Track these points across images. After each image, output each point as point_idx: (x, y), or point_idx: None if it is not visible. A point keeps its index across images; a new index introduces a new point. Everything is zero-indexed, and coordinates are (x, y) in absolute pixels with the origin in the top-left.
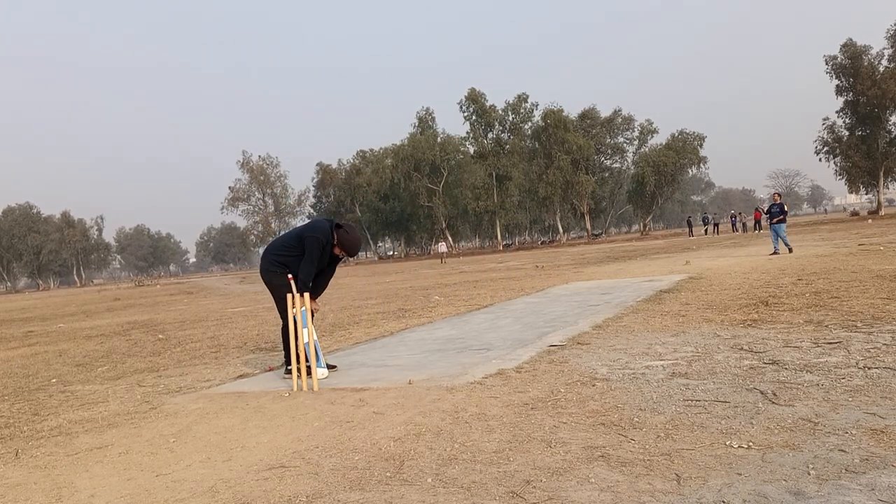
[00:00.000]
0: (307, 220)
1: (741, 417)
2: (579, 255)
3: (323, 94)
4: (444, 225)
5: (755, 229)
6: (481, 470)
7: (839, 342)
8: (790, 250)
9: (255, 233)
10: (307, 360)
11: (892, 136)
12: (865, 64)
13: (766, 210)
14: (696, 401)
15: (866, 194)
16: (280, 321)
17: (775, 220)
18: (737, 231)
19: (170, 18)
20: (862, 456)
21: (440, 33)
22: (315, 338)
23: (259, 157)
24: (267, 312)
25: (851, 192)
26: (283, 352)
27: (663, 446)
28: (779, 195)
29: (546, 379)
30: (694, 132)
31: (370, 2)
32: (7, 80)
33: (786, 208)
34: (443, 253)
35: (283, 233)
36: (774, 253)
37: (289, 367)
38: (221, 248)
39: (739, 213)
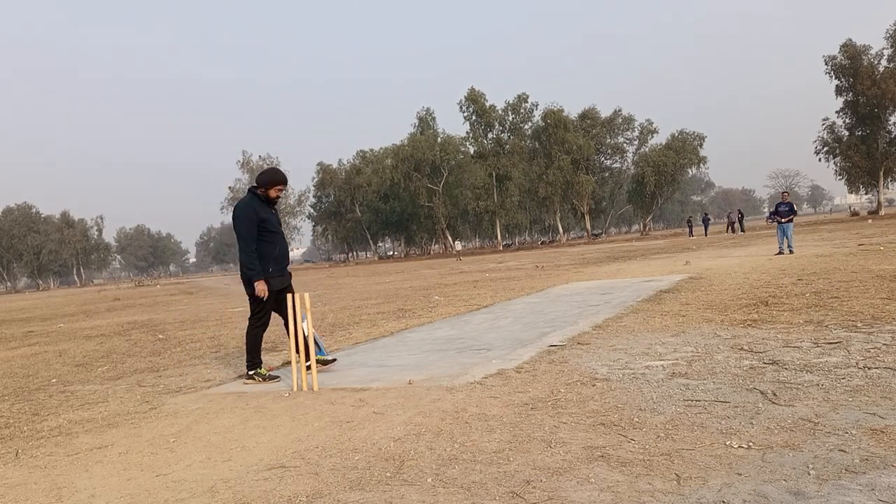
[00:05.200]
0: (308, 220)
1: (741, 417)
2: (579, 256)
3: (323, 93)
4: (444, 225)
5: (731, 230)
6: (481, 470)
7: (839, 342)
8: (791, 251)
9: None
10: (307, 355)
11: (892, 136)
12: (865, 64)
13: (774, 209)
14: (696, 401)
15: (866, 194)
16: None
17: (785, 218)
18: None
19: (170, 17)
20: (862, 456)
21: (441, 31)
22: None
23: (259, 156)
24: None
25: (851, 193)
26: (246, 355)
27: (663, 446)
28: (787, 193)
29: (546, 379)
30: (694, 132)
31: (372, 2)
32: (7, 80)
33: (795, 207)
34: (458, 251)
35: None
36: (780, 252)
37: (250, 373)
38: (221, 249)
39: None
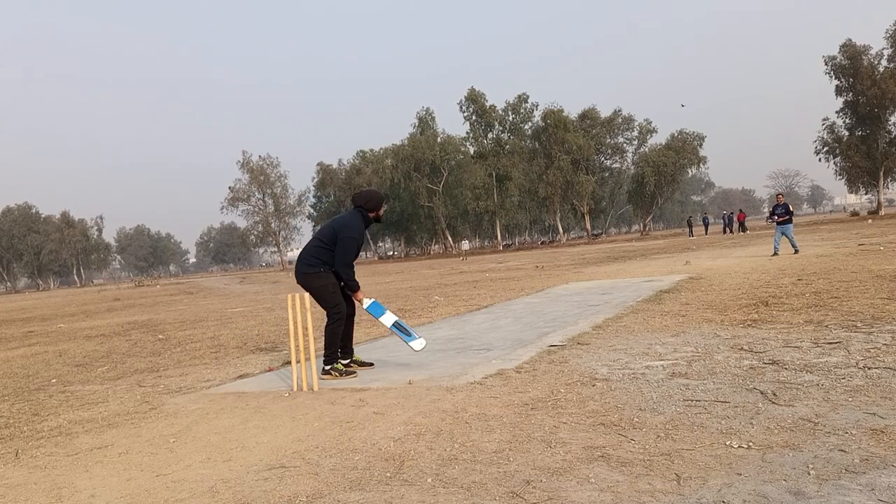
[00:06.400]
0: (308, 220)
1: (741, 417)
2: (579, 256)
3: (323, 93)
4: (444, 225)
5: (740, 230)
6: (481, 470)
7: (839, 342)
8: (796, 251)
9: (255, 233)
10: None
11: (892, 136)
12: (865, 64)
13: (770, 211)
14: (696, 401)
15: (866, 194)
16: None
17: (781, 220)
18: (730, 231)
19: (170, 16)
20: (862, 456)
21: (441, 31)
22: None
23: (259, 157)
24: (267, 312)
25: (851, 193)
26: (324, 350)
27: (663, 446)
28: (782, 195)
29: (546, 379)
30: (693, 132)
31: (372, 2)
32: (8, 81)
33: (791, 208)
34: (464, 251)
35: (282, 233)
36: (775, 254)
37: (326, 368)
38: (221, 249)
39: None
